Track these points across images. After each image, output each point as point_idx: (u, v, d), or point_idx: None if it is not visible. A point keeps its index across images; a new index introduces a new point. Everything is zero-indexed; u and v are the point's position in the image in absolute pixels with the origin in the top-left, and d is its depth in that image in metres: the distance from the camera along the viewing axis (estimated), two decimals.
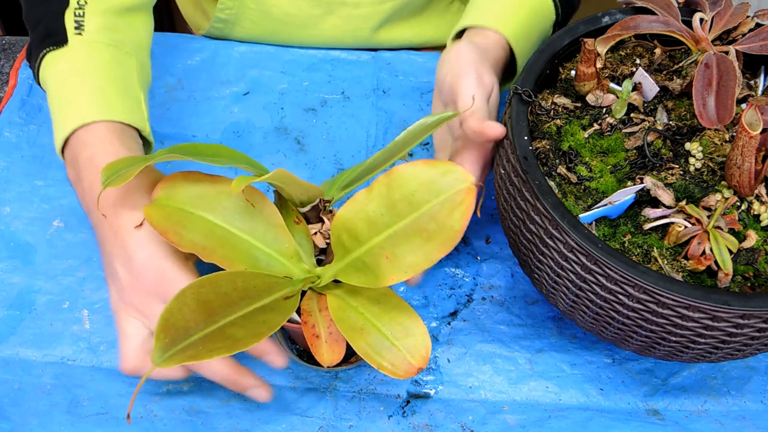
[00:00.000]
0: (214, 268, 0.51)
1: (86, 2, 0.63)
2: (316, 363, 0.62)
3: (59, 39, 0.62)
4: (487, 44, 0.66)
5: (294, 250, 0.53)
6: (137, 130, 0.62)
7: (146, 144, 0.65)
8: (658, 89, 0.56)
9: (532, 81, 0.56)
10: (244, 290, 0.48)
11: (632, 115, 0.56)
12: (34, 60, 0.64)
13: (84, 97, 0.60)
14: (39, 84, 0.66)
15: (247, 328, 0.46)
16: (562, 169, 0.54)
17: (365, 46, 0.86)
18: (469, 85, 0.59)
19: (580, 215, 0.52)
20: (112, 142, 0.58)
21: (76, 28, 0.63)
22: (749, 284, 0.50)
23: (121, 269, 0.55)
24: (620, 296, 0.48)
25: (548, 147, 0.55)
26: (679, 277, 0.49)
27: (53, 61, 0.62)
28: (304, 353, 0.63)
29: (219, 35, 0.86)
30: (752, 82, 0.58)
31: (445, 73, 0.63)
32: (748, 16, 0.57)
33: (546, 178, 0.52)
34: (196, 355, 0.44)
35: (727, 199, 0.51)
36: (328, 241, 0.55)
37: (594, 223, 0.53)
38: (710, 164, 0.52)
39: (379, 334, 0.50)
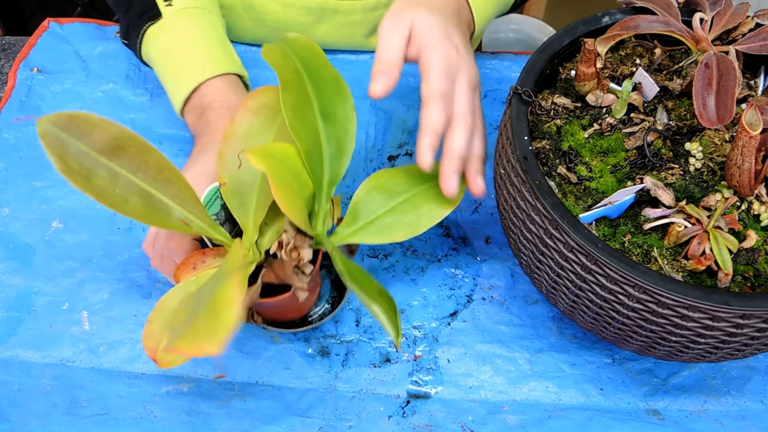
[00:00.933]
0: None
1: None
2: (281, 326, 0.64)
3: (154, 14, 0.70)
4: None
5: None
6: (239, 76, 0.71)
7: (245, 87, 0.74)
8: (658, 89, 0.56)
9: (532, 81, 0.56)
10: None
11: (632, 115, 0.56)
12: (134, 38, 0.72)
13: (194, 59, 0.69)
14: (141, 59, 0.73)
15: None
16: (562, 169, 0.54)
17: (358, 50, 0.86)
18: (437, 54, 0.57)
19: (580, 215, 0.52)
20: (225, 91, 0.68)
21: (165, 0, 0.71)
22: (749, 284, 0.50)
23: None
24: (620, 296, 0.48)
25: (548, 147, 0.55)
26: (679, 277, 0.49)
27: (154, 35, 0.70)
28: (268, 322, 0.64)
29: None
30: (752, 82, 0.58)
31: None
32: (748, 16, 0.57)
33: (546, 178, 0.52)
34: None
35: (727, 199, 0.51)
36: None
37: (594, 223, 0.52)
38: (710, 164, 0.52)
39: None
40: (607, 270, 0.47)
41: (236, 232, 0.60)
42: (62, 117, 0.46)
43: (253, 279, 0.54)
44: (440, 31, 0.58)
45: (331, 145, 0.55)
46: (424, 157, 0.55)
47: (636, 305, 0.48)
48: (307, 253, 0.55)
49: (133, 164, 0.49)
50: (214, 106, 0.66)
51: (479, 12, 0.69)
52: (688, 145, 0.54)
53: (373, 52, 0.85)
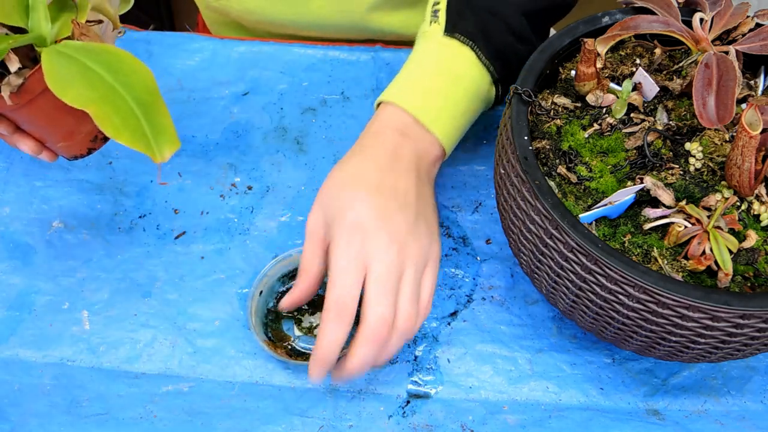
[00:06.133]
0: None
1: None
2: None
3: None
4: (385, 127, 0.62)
5: None
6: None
7: None
8: (658, 89, 0.56)
9: (532, 81, 0.56)
10: None
11: (632, 115, 0.56)
12: None
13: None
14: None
15: None
16: (562, 169, 0.54)
17: (356, 28, 0.86)
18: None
19: (580, 215, 0.52)
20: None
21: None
22: (749, 284, 0.50)
23: None
24: (620, 296, 0.48)
25: (548, 147, 0.55)
26: (679, 277, 0.49)
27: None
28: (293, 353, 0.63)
29: (217, 7, 0.88)
30: (752, 82, 0.58)
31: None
32: (748, 16, 0.57)
33: (546, 178, 0.52)
34: None
35: (727, 199, 0.51)
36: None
37: (594, 223, 0.52)
38: (710, 164, 0.52)
39: None
40: (607, 270, 0.47)
41: None
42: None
43: None
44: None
45: None
46: (314, 375, 0.54)
47: (636, 305, 0.48)
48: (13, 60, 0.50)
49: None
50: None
51: (441, 132, 0.62)
52: (688, 145, 0.54)
53: (372, 39, 0.85)
